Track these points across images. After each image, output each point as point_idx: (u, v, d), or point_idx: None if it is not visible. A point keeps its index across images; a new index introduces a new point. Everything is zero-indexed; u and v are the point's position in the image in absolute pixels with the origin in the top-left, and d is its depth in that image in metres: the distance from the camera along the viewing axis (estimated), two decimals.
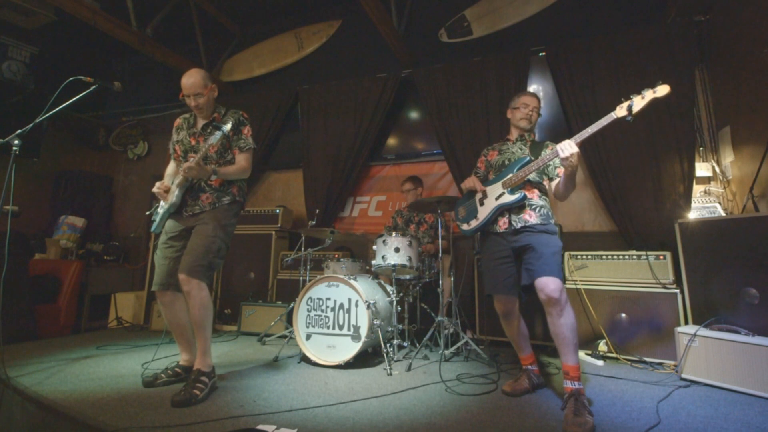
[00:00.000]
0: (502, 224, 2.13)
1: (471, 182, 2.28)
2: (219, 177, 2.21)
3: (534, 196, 2.13)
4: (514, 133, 2.33)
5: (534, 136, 2.34)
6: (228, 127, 2.11)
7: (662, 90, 1.82)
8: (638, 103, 1.82)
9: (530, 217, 2.07)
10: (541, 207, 2.11)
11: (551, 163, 2.13)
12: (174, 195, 2.23)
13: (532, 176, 2.13)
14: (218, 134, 2.09)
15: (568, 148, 1.86)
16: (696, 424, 1.72)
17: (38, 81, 4.63)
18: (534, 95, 2.31)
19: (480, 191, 2.24)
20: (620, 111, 1.85)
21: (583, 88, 3.56)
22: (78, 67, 4.77)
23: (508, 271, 2.12)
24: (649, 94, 1.82)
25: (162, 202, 2.31)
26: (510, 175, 2.11)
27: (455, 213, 2.42)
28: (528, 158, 2.11)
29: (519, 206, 2.10)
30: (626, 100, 1.85)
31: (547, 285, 1.90)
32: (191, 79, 2.22)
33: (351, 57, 4.76)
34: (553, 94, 3.83)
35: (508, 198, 2.09)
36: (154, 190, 2.28)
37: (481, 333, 3.28)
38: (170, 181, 2.32)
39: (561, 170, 2.14)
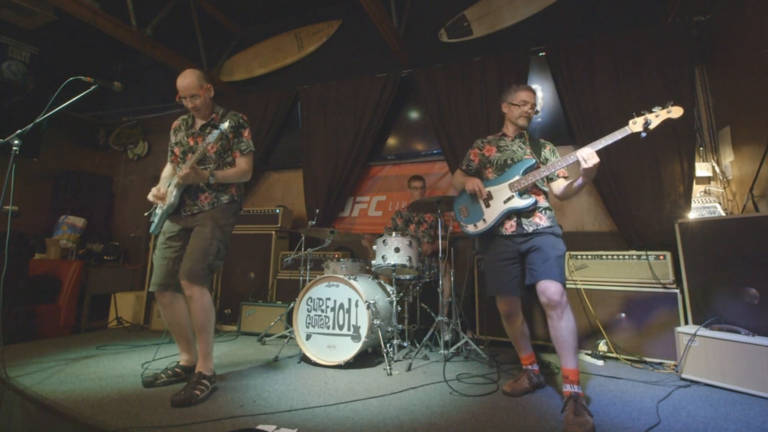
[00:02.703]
0: (509, 227, 2.11)
1: (476, 186, 2.15)
2: (217, 181, 2.20)
3: (541, 199, 2.12)
4: (510, 129, 2.28)
5: (528, 133, 2.28)
6: (226, 125, 2.09)
7: (677, 112, 1.81)
8: (654, 121, 1.82)
9: (541, 220, 2.07)
10: (548, 209, 2.11)
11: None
12: (172, 196, 2.22)
13: (538, 180, 2.12)
14: (216, 133, 2.06)
15: (592, 158, 1.84)
16: (696, 424, 1.72)
17: (38, 81, 4.63)
18: (531, 90, 2.22)
19: (485, 194, 2.17)
20: (634, 126, 1.84)
21: (583, 88, 3.56)
22: (78, 67, 4.76)
23: (513, 272, 2.10)
24: (663, 114, 1.82)
25: (160, 203, 2.31)
26: (517, 178, 2.09)
27: (455, 212, 2.35)
28: (534, 161, 2.10)
29: (528, 210, 2.08)
30: (638, 115, 1.85)
31: (549, 288, 1.90)
32: (186, 81, 2.22)
33: (351, 57, 4.76)
34: (553, 94, 3.83)
35: (520, 202, 2.06)
36: (150, 197, 2.26)
37: (481, 333, 3.28)
38: (166, 185, 2.31)
39: (563, 172, 2.14)
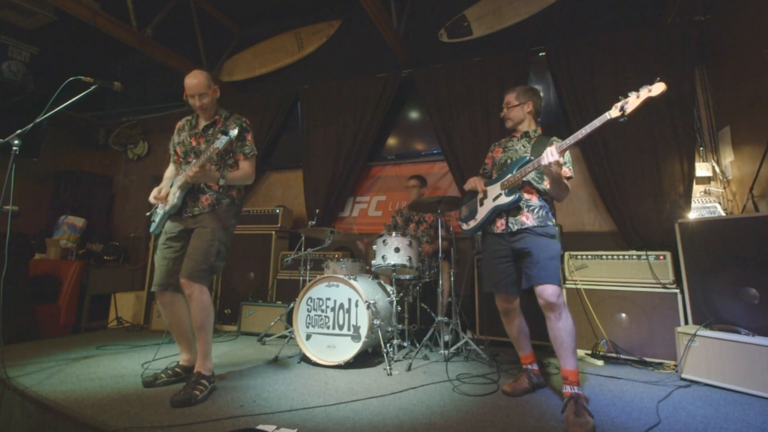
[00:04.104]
0: (500, 225, 2.13)
1: (472, 183, 2.28)
2: (226, 182, 2.20)
3: (533, 197, 2.10)
4: (519, 130, 2.30)
5: (540, 131, 2.26)
6: (236, 132, 2.10)
7: (658, 88, 1.68)
8: (633, 102, 1.72)
9: (527, 219, 2.06)
10: (539, 208, 2.07)
11: None
12: (175, 197, 2.23)
13: (532, 177, 2.11)
14: (225, 139, 2.05)
15: (549, 156, 1.84)
16: (696, 424, 1.72)
17: (38, 81, 4.63)
18: (511, 91, 2.27)
19: (481, 191, 2.24)
20: (614, 111, 1.75)
21: (583, 88, 3.56)
22: (78, 67, 4.76)
23: (507, 270, 2.12)
24: (644, 93, 1.71)
25: (161, 204, 2.31)
26: (509, 176, 2.10)
27: (459, 212, 2.43)
28: (528, 158, 2.09)
29: (516, 208, 2.08)
30: (623, 98, 1.75)
31: (545, 290, 1.92)
32: (195, 80, 2.24)
33: (351, 57, 4.76)
34: (554, 94, 3.83)
35: (504, 199, 2.08)
36: (151, 199, 2.27)
37: (481, 333, 3.28)
38: (168, 185, 2.32)
39: (565, 171, 2.13)
